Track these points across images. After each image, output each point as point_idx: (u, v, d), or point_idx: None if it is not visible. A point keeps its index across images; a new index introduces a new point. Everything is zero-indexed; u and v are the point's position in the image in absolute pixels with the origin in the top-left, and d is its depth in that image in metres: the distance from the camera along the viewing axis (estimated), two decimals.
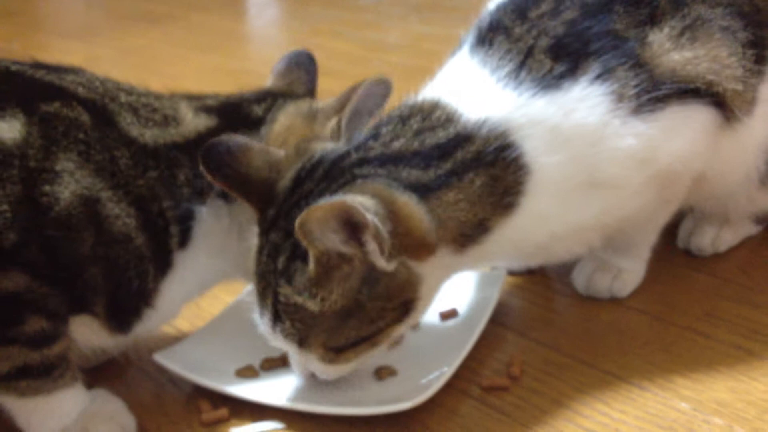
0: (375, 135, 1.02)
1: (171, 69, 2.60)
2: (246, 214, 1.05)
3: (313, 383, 1.05)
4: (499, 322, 1.19)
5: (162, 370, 1.12)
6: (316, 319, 0.96)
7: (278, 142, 1.07)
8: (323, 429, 1.02)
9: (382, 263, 0.94)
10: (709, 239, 1.29)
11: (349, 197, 0.92)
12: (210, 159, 1.00)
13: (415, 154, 0.99)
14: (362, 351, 1.00)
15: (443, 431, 1.01)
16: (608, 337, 1.17)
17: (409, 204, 0.96)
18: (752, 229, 1.33)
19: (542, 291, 1.29)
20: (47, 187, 0.93)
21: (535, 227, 1.04)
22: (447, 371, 1.04)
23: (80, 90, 1.02)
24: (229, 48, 2.82)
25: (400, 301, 0.97)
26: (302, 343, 0.98)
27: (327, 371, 1.02)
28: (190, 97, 1.11)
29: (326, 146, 1.03)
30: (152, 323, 1.05)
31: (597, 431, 0.99)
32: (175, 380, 1.12)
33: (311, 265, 0.94)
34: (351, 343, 0.98)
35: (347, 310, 0.95)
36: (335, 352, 0.99)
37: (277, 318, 0.98)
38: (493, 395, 1.07)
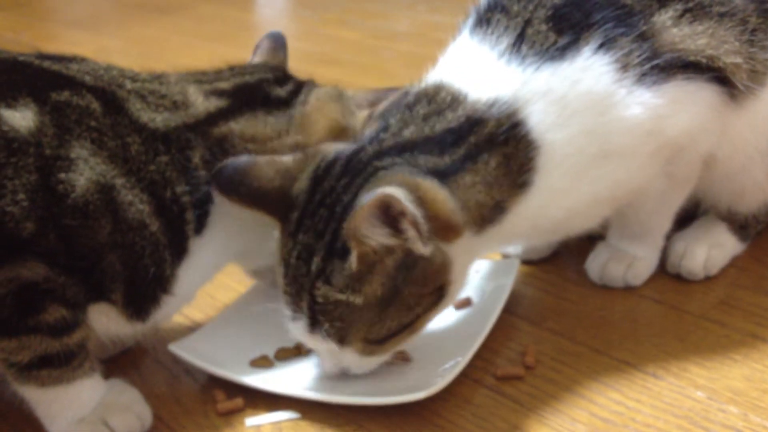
0: (384, 127, 1.02)
1: (180, 59, 2.58)
2: None
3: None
4: (512, 311, 1.19)
5: (177, 360, 1.12)
6: (356, 314, 0.96)
7: (310, 124, 1.08)
8: (338, 418, 1.02)
9: (421, 248, 0.94)
10: (701, 262, 1.24)
11: (382, 189, 0.91)
12: (222, 183, 1.02)
13: (427, 140, 0.99)
14: (401, 339, 1.00)
15: (457, 420, 1.01)
16: (622, 326, 1.17)
17: (434, 188, 0.96)
18: (738, 248, 1.28)
19: (555, 280, 1.28)
20: (63, 175, 0.93)
21: (551, 203, 1.04)
22: (461, 361, 1.04)
23: (87, 78, 1.02)
24: (238, 38, 2.81)
25: (435, 285, 0.98)
26: (343, 340, 0.98)
27: (362, 365, 1.02)
28: (199, 80, 1.11)
29: (337, 146, 1.03)
30: (170, 309, 1.06)
31: (612, 420, 0.99)
32: (190, 370, 1.12)
33: (353, 261, 0.94)
34: (391, 333, 0.99)
35: (387, 300, 0.96)
36: (375, 344, 0.99)
37: (315, 320, 0.98)
38: (507, 384, 1.07)
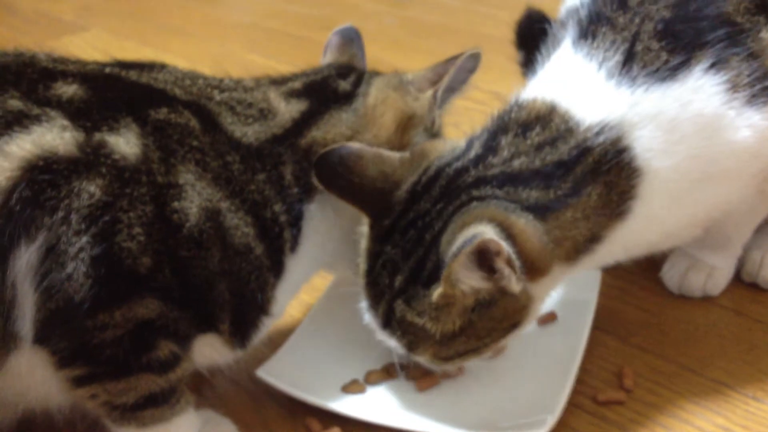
0: (493, 148, 0.97)
1: (171, 21, 2.48)
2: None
3: (427, 401, 1.02)
4: (595, 324, 1.16)
5: (256, 382, 1.07)
6: (428, 335, 0.94)
7: (376, 118, 1.04)
8: None
9: (514, 287, 0.91)
10: None
11: (480, 234, 0.87)
12: (323, 171, 0.98)
13: (535, 173, 0.95)
14: (468, 359, 0.99)
15: None
16: (709, 341, 1.15)
17: (527, 227, 0.92)
18: None
19: (630, 288, 1.26)
20: (176, 204, 0.87)
21: (647, 229, 1.01)
22: (566, 386, 1.01)
23: (178, 91, 0.96)
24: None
25: (512, 322, 0.96)
26: (412, 349, 0.97)
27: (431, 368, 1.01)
28: (273, 81, 1.06)
29: (443, 154, 0.98)
30: (265, 331, 1.01)
31: None
32: (272, 393, 1.07)
33: (438, 296, 0.91)
34: (459, 354, 0.97)
35: (461, 329, 0.93)
36: (442, 359, 0.98)
37: (387, 324, 0.96)
38: (608, 409, 1.04)
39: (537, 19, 1.35)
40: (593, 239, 0.97)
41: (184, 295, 0.88)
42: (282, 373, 1.05)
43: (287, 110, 1.01)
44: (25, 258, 0.81)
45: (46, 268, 0.81)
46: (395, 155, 0.99)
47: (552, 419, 0.97)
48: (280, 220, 0.96)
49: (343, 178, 0.97)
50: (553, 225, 0.93)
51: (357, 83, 1.08)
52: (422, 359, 0.98)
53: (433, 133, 1.08)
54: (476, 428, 0.99)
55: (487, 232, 0.87)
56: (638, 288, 1.25)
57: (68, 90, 0.88)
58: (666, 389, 1.07)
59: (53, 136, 0.83)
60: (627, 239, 0.99)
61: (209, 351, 0.95)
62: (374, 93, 1.06)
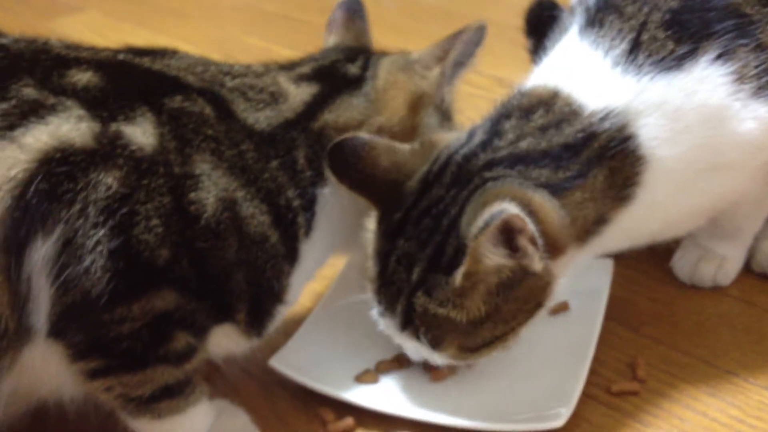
0: (498, 132, 0.97)
1: (168, 2, 2.46)
2: None
3: (441, 392, 1.01)
4: (607, 314, 1.15)
5: (268, 372, 1.06)
6: (453, 325, 0.93)
7: (388, 101, 1.04)
8: None
9: (537, 265, 0.91)
10: None
11: (506, 209, 0.87)
12: (336, 161, 0.97)
13: (544, 154, 0.95)
14: (494, 348, 0.97)
15: None
16: (721, 331, 1.15)
17: (546, 203, 0.92)
18: None
19: (639, 278, 1.25)
20: (193, 195, 0.86)
21: (650, 216, 1.00)
22: (581, 377, 1.01)
23: (191, 79, 0.94)
24: None
25: (537, 301, 0.95)
26: (437, 345, 0.95)
27: (451, 364, 1.00)
28: (282, 67, 1.05)
29: (450, 142, 0.98)
30: (280, 319, 1.00)
31: None
32: (283, 382, 1.06)
33: (459, 278, 0.90)
34: (485, 343, 0.96)
35: (486, 316, 0.92)
36: (468, 351, 0.96)
37: (409, 323, 0.95)
38: (623, 400, 1.04)
39: (547, 6, 1.34)
40: (600, 221, 0.97)
41: (201, 286, 0.87)
42: (295, 363, 1.05)
43: (298, 93, 1.01)
44: (42, 252, 0.80)
45: (63, 261, 0.80)
46: (405, 146, 0.99)
47: (567, 412, 0.97)
48: (293, 206, 0.96)
49: (355, 168, 0.96)
50: (564, 203, 0.93)
51: (365, 66, 1.07)
52: (447, 354, 0.96)
53: (443, 111, 1.08)
54: (490, 419, 0.98)
55: (511, 208, 0.87)
56: (648, 278, 1.25)
57: (83, 78, 0.87)
58: (679, 380, 1.07)
59: (69, 128, 0.81)
60: (630, 225, 0.99)
61: (225, 341, 0.94)
62: (383, 76, 1.05)
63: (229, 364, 1.07)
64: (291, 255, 0.96)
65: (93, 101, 0.84)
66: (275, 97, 0.99)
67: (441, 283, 0.92)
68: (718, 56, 0.97)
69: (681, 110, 0.97)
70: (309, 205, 0.98)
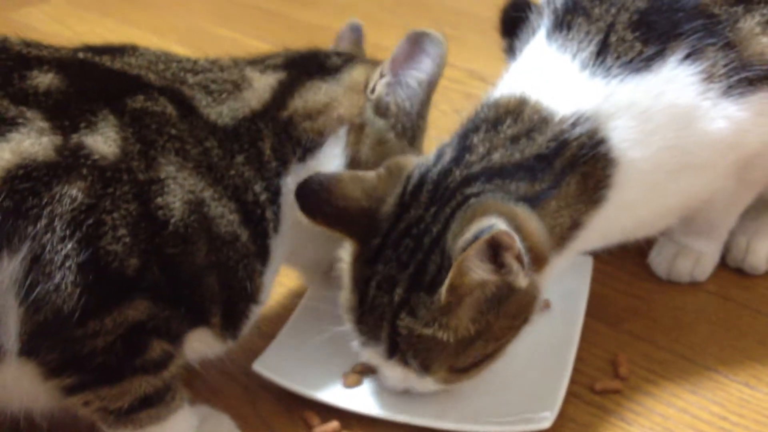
0: (468, 147, 0.96)
1: None
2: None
3: (428, 394, 1.01)
4: (587, 311, 1.16)
5: (251, 376, 1.05)
6: (442, 346, 0.92)
7: (354, 92, 1.03)
8: None
9: (521, 282, 0.90)
10: (764, 257, 1.24)
11: (489, 222, 0.87)
12: (306, 200, 0.94)
13: (518, 166, 0.94)
14: (484, 366, 0.97)
15: None
16: (699, 327, 1.16)
17: (529, 218, 0.92)
18: None
19: (618, 274, 1.26)
20: (160, 199, 0.84)
21: (622, 215, 1.01)
22: (565, 378, 1.01)
23: (152, 77, 0.93)
24: None
25: (526, 316, 0.95)
26: (426, 369, 0.94)
27: (433, 387, 0.98)
28: (252, 62, 1.04)
29: (419, 162, 0.97)
30: (254, 319, 0.99)
31: None
32: (268, 387, 1.05)
33: (444, 293, 0.89)
34: (476, 362, 0.95)
35: (476, 334, 0.92)
36: (459, 372, 0.96)
37: (395, 349, 0.93)
38: (606, 399, 1.05)
39: (521, 6, 1.33)
40: (575, 225, 0.97)
41: (173, 292, 0.86)
42: (278, 367, 1.04)
43: (263, 80, 0.99)
44: (8, 271, 0.78)
45: (32, 279, 0.78)
46: (371, 173, 0.97)
47: (553, 413, 0.97)
48: (261, 200, 0.94)
49: (327, 203, 0.94)
50: (543, 214, 0.93)
51: (349, 60, 1.07)
52: (438, 378, 0.95)
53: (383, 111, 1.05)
54: (476, 421, 0.98)
55: (500, 224, 0.86)
56: (626, 273, 1.26)
57: (44, 80, 0.85)
58: (661, 377, 1.08)
59: (31, 142, 0.79)
60: (603, 226, 1.00)
61: (200, 345, 0.93)
62: (354, 75, 1.05)
63: (211, 369, 1.06)
64: (262, 253, 0.95)
65: (54, 108, 0.82)
66: (238, 85, 0.97)
67: (425, 302, 0.90)
68: (687, 56, 0.98)
69: (650, 111, 0.97)
70: (275, 198, 0.96)
